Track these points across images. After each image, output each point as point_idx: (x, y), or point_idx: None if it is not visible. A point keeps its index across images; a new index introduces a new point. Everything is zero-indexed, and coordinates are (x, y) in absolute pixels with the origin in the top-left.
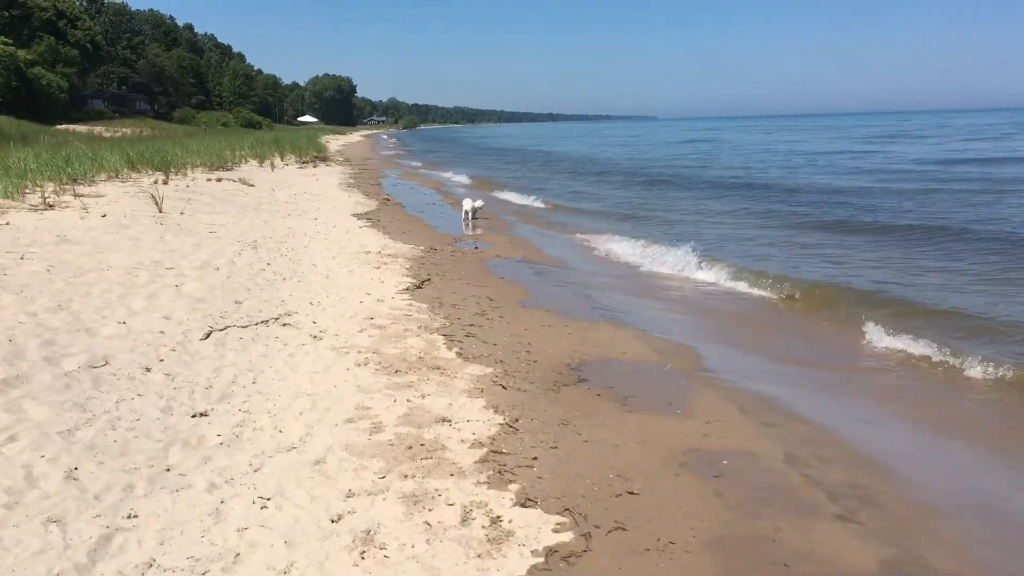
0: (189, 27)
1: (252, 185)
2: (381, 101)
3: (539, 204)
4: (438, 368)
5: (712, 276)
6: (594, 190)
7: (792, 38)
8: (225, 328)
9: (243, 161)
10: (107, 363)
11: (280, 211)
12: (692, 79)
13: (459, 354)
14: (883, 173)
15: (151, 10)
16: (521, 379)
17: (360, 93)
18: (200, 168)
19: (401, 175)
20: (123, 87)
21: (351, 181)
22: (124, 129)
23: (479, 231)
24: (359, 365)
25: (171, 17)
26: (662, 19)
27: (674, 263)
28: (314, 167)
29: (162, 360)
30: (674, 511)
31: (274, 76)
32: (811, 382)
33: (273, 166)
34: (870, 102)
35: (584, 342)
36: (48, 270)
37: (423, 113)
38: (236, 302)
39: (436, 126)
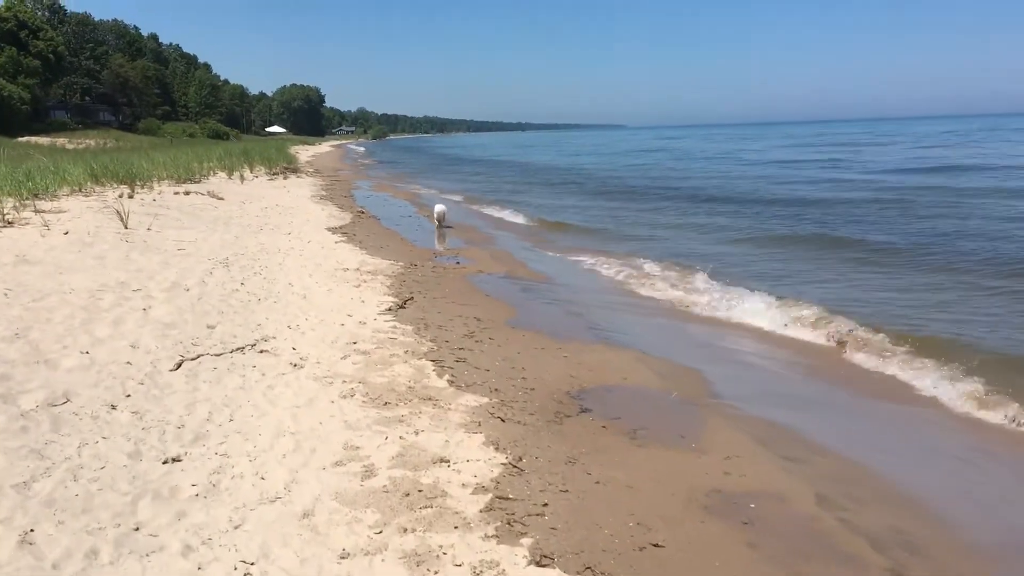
0: (154, 37)
1: (221, 198)
2: (350, 111)
3: (520, 219)
4: (430, 399)
5: (708, 293)
6: (575, 202)
7: (751, 48)
8: (197, 357)
9: (211, 173)
10: (68, 400)
11: (251, 225)
12: (658, 89)
13: (451, 382)
14: (858, 183)
15: (115, 20)
16: (519, 410)
17: (329, 103)
18: (167, 181)
19: (373, 186)
20: (87, 98)
21: (323, 193)
22: (88, 141)
23: (447, 241)
24: (344, 397)
25: (135, 27)
26: (628, 31)
27: (668, 280)
28: (284, 179)
29: (129, 396)
30: (706, 567)
31: (241, 86)
32: (826, 409)
33: (243, 178)
34: (834, 110)
35: (581, 366)
36: (5, 294)
37: (392, 123)
38: (208, 327)
39: (405, 136)
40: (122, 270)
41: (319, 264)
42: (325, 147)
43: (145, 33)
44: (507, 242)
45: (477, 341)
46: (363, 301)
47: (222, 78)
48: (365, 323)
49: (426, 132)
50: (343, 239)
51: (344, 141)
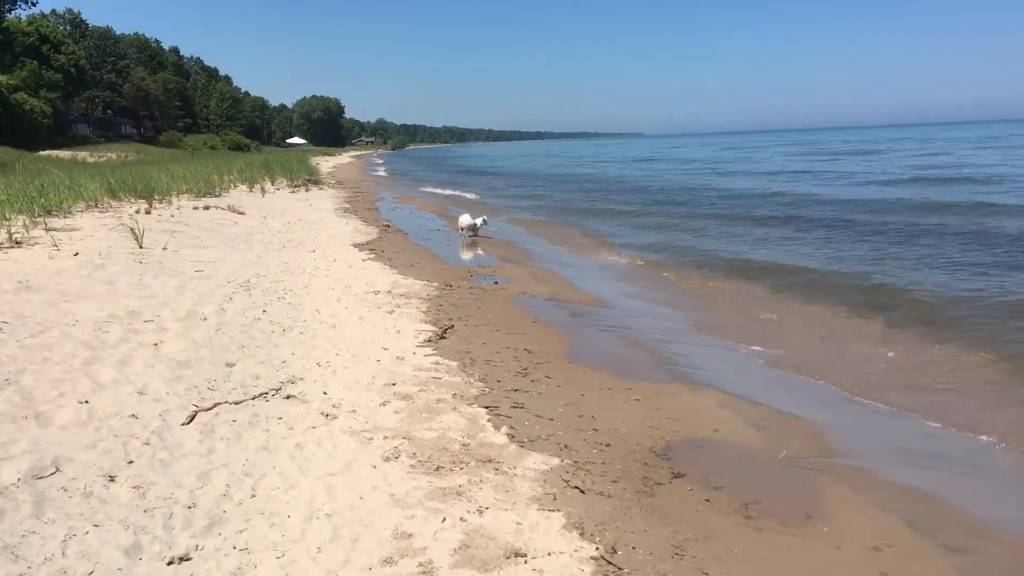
0: (175, 50)
1: (242, 213)
2: (369, 122)
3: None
4: (490, 461)
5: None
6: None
7: (766, 54)
8: (214, 407)
9: (232, 186)
10: (58, 470)
11: (274, 243)
12: (673, 99)
13: (511, 437)
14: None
15: (136, 34)
16: (599, 475)
17: (348, 114)
18: (187, 195)
19: (396, 197)
20: (108, 111)
21: (347, 206)
22: (109, 154)
23: (476, 252)
24: (388, 460)
25: (156, 40)
26: (645, 39)
27: (735, 303)
28: (306, 191)
29: (131, 462)
30: None
31: (262, 98)
32: (979, 471)
33: (264, 191)
34: (855, 117)
35: (659, 413)
36: (1, 329)
37: (412, 133)
38: (227, 365)
39: (425, 146)
40: (133, 297)
41: (348, 286)
42: (346, 158)
43: (166, 46)
44: (548, 258)
45: (533, 380)
46: (399, 331)
47: (243, 90)
48: (403, 358)
49: (445, 142)
50: (371, 256)
51: (364, 152)
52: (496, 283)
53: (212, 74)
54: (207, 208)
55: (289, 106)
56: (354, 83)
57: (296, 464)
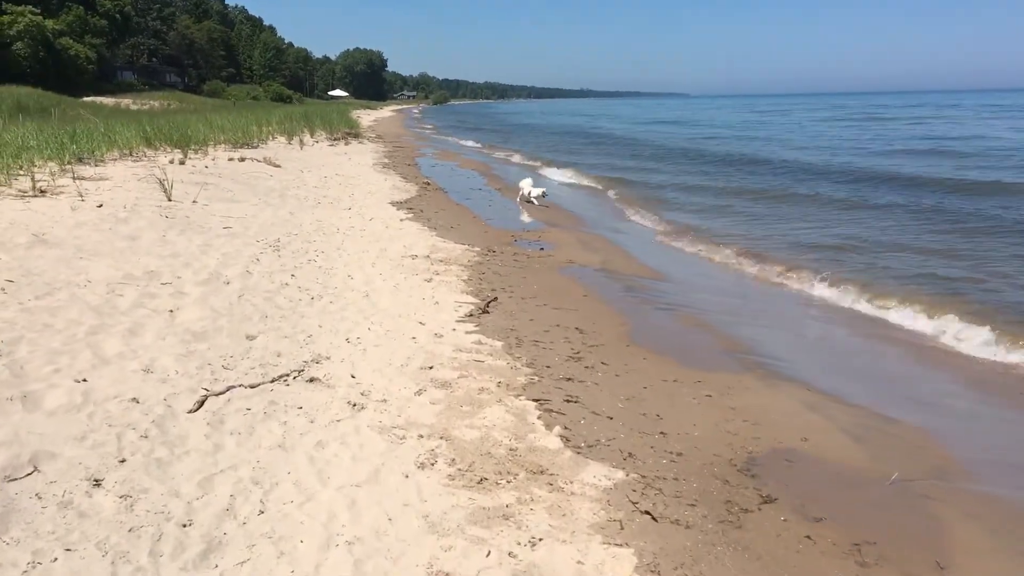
0: None
1: (278, 166)
2: (412, 75)
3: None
4: (542, 472)
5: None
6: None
7: (826, 14)
8: (226, 390)
9: (270, 137)
10: (36, 470)
11: (308, 198)
12: (723, 56)
13: (566, 440)
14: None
15: None
16: (672, 496)
17: (391, 67)
18: (223, 145)
19: (436, 153)
20: (153, 59)
21: (386, 161)
22: (152, 102)
23: (520, 215)
24: (423, 466)
25: None
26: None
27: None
28: (345, 144)
29: (123, 461)
30: None
31: (305, 49)
32: None
33: (302, 143)
34: (914, 81)
35: (735, 414)
36: (4, 288)
37: (453, 88)
38: (248, 337)
39: (466, 101)
40: (155, 255)
41: (384, 249)
42: (387, 112)
43: None
44: (595, 223)
45: (587, 367)
46: (437, 302)
47: (286, 41)
48: (442, 336)
49: (487, 98)
50: (409, 216)
51: (405, 105)
52: (542, 249)
53: (256, 24)
54: (242, 160)
55: (332, 58)
56: (397, 36)
57: (315, 469)
